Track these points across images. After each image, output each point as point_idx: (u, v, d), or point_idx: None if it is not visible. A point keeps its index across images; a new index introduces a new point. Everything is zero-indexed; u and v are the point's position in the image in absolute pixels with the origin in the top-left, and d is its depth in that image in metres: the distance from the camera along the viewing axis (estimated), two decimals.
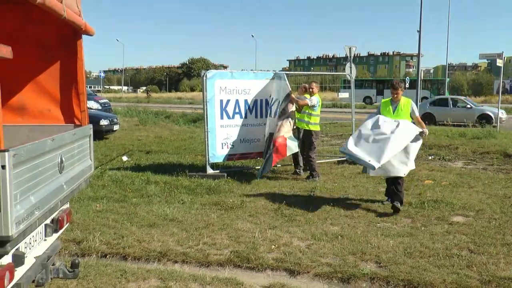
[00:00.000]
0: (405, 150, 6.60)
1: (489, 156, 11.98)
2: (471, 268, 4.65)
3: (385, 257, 4.90)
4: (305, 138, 9.34)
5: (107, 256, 5.04)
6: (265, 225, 6.06)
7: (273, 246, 5.25)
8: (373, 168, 6.30)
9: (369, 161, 6.34)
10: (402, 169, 6.63)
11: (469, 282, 4.30)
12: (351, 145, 6.71)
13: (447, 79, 45.41)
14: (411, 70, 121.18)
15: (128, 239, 5.47)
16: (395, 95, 6.90)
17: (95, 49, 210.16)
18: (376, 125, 6.73)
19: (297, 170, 9.66)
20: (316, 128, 9.35)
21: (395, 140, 6.42)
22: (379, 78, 64.75)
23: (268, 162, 8.83)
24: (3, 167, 2.51)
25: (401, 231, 5.84)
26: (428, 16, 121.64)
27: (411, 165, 6.73)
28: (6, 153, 2.52)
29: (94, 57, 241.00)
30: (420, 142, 6.83)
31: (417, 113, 6.92)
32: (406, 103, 6.88)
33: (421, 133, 6.72)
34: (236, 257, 4.93)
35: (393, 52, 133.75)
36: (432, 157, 12.13)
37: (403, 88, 6.96)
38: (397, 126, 6.56)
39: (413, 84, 34.75)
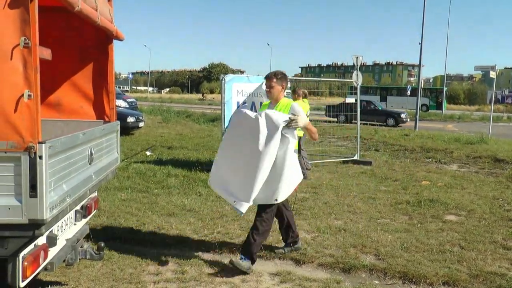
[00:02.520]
0: (274, 169, 4.12)
1: (481, 160, 11.80)
2: (461, 263, 4.60)
3: (383, 251, 4.87)
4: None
5: (130, 241, 5.07)
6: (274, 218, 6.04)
7: (281, 237, 5.24)
8: (241, 213, 4.11)
9: (234, 202, 4.16)
10: (273, 195, 4.25)
11: (459, 275, 4.26)
12: (214, 182, 4.59)
13: (445, 88, 44.94)
14: (412, 79, 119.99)
15: (149, 226, 5.50)
16: (269, 93, 4.51)
17: (124, 52, 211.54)
18: (234, 145, 4.39)
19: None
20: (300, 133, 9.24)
21: (262, 163, 4.00)
22: (383, 86, 64.19)
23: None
24: (40, 157, 2.55)
25: (399, 227, 5.80)
26: (429, 28, 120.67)
27: (286, 187, 4.26)
28: (43, 145, 2.56)
29: (124, 60, 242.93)
30: (292, 146, 4.21)
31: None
32: (287, 105, 4.42)
33: (291, 121, 4.10)
34: None
35: (396, 62, 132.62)
36: (430, 160, 12.02)
37: (283, 85, 4.51)
38: (259, 138, 4.04)
39: (414, 92, 34.31)
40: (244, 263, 4.21)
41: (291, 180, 4.26)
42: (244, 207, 4.06)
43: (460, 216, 6.42)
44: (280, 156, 4.12)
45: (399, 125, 25.83)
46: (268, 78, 4.40)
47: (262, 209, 4.35)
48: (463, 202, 7.14)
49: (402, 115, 26.80)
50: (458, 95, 69.89)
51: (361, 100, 26.07)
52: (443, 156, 12.36)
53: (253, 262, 4.30)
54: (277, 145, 4.05)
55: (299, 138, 9.39)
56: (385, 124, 25.39)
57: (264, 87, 8.91)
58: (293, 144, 4.17)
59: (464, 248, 5.04)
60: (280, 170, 4.14)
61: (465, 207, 6.82)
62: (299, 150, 9.47)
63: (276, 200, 4.23)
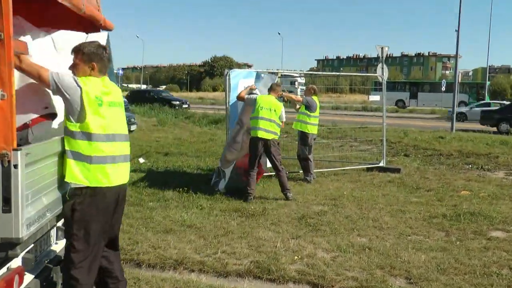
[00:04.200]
0: None
1: None
2: None
3: (416, 273, 4.81)
4: (301, 140, 9.68)
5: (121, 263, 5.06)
6: (288, 234, 6.02)
7: (295, 257, 5.21)
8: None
9: None
10: None
11: None
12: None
13: (488, 83, 44.51)
14: (447, 72, 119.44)
15: (143, 245, 5.49)
16: None
17: (113, 45, 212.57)
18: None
19: (307, 178, 9.57)
20: (314, 130, 9.65)
21: None
22: (413, 80, 63.89)
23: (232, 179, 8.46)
24: (15, 166, 2.54)
25: (434, 245, 5.73)
26: (468, 14, 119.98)
27: None
28: (19, 152, 2.56)
29: (113, 54, 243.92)
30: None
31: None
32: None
33: None
34: (256, 268, 4.91)
35: (428, 53, 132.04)
36: (470, 166, 11.91)
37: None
38: None
39: (449, 88, 34.15)
40: None
41: None
42: None
43: (508, 232, 6.33)
44: None
45: None
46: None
47: None
48: None
49: None
50: (503, 90, 68.85)
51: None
52: (486, 162, 12.25)
53: None
54: None
55: (307, 139, 9.46)
56: None
57: (268, 80, 8.97)
58: None
59: None
60: None
61: None
62: (309, 152, 9.53)
63: None
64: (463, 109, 31.62)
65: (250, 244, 5.59)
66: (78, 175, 3.07)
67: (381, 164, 11.07)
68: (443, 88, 39.01)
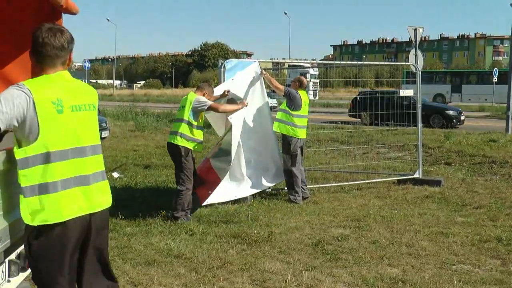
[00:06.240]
0: None
1: None
2: None
3: None
4: (283, 145, 9.51)
5: None
6: (301, 265, 6.03)
7: None
8: None
9: None
10: None
11: None
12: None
13: None
14: (501, 58, 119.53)
15: (120, 281, 5.49)
16: None
17: (79, 32, 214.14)
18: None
19: (291, 197, 9.31)
20: (299, 133, 9.38)
21: None
22: (456, 70, 64.07)
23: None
24: None
25: (486, 276, 5.73)
26: None
27: None
28: None
29: (78, 43, 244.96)
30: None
31: None
32: None
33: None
34: None
35: (475, 34, 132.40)
36: None
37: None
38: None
39: (503, 78, 34.14)
40: None
41: None
42: None
43: None
44: None
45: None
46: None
47: None
48: None
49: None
50: None
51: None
52: None
53: None
54: None
55: (289, 146, 9.31)
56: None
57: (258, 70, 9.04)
58: None
59: None
60: None
61: None
62: (293, 163, 9.28)
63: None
64: None
65: (253, 278, 5.60)
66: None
67: (416, 176, 11.07)
68: (495, 79, 39.05)
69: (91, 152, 3.27)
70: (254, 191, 9.23)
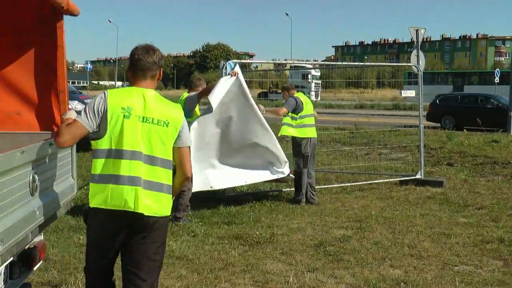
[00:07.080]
0: None
1: None
2: None
3: None
4: (293, 148, 9.52)
5: None
6: (303, 266, 6.02)
7: None
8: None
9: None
10: None
11: None
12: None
13: None
14: (502, 59, 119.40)
15: (119, 283, 5.48)
16: None
17: (80, 33, 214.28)
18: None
19: (298, 198, 9.31)
20: (308, 133, 9.34)
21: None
22: (458, 70, 63.99)
23: None
24: None
25: (488, 277, 5.72)
26: None
27: None
28: None
29: (79, 44, 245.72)
30: None
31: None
32: None
33: None
34: None
35: (477, 35, 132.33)
36: None
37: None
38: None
39: (505, 78, 34.00)
40: None
41: None
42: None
43: None
44: None
45: None
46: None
47: None
48: None
49: None
50: None
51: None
52: None
53: None
54: None
55: (299, 147, 9.21)
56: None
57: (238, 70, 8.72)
58: None
59: None
60: None
61: None
62: (305, 165, 9.22)
63: None
64: None
65: (255, 280, 5.60)
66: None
67: (418, 176, 11.06)
68: (497, 80, 38.93)
69: (149, 161, 3.50)
70: (237, 183, 9.01)
